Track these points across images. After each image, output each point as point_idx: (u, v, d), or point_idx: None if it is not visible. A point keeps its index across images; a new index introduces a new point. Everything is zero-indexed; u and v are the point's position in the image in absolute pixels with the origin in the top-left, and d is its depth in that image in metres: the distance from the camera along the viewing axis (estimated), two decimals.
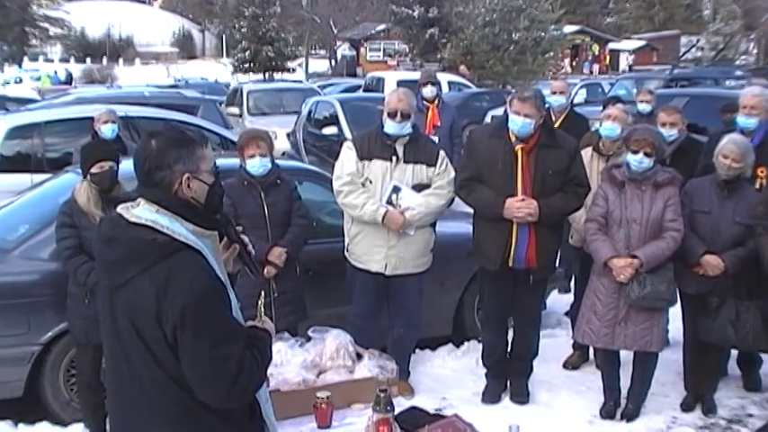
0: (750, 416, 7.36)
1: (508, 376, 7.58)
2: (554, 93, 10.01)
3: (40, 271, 7.02)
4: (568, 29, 58.06)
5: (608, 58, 71.10)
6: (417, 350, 8.23)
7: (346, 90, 34.85)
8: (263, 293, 3.98)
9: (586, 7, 75.87)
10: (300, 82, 46.18)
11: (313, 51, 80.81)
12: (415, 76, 17.96)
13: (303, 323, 6.82)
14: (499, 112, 17.60)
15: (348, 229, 7.37)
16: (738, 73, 35.92)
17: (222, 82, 49.51)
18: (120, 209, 3.32)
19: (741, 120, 7.74)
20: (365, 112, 16.43)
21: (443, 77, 26.67)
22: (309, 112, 19.29)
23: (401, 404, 5.01)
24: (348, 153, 7.28)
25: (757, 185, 7.31)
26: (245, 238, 3.57)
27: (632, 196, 6.86)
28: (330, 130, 17.33)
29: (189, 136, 3.38)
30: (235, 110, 23.64)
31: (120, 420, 3.43)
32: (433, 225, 7.46)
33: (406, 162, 7.19)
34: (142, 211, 3.26)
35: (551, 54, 50.90)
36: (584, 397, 7.63)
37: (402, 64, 63.91)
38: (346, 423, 4.93)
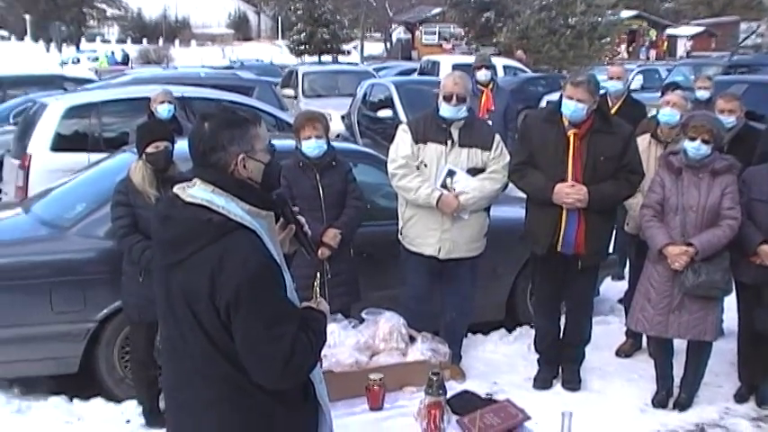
0: None
1: (560, 362, 7.56)
2: (611, 78, 9.92)
3: (96, 249, 7.09)
4: (625, 14, 57.52)
5: (665, 43, 70.39)
6: (469, 334, 8.24)
7: (401, 73, 34.85)
8: (318, 275, 3.94)
9: None
10: (356, 64, 46.15)
11: (368, 34, 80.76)
12: (471, 59, 17.88)
13: (356, 305, 6.84)
14: (555, 97, 17.42)
15: (402, 213, 7.37)
16: None
17: (277, 64, 49.61)
18: (176, 189, 3.33)
19: None
20: (420, 95, 16.42)
21: (498, 61, 26.61)
22: (364, 95, 19.28)
23: (453, 388, 5.00)
24: (403, 136, 7.27)
25: None
26: (302, 219, 3.57)
27: (689, 183, 6.78)
28: (385, 113, 17.33)
29: (241, 116, 3.37)
30: (290, 92, 23.64)
31: (175, 397, 3.46)
32: (488, 209, 7.45)
33: (461, 146, 7.17)
34: (198, 191, 3.27)
35: (608, 39, 50.37)
36: (636, 385, 7.59)
37: (457, 47, 63.71)
38: (398, 405, 4.92)
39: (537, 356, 7.65)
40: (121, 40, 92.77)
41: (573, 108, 6.76)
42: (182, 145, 6.55)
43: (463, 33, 64.85)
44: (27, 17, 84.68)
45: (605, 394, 7.45)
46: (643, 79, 29.16)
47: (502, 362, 8.08)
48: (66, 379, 7.24)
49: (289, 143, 7.21)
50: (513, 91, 16.13)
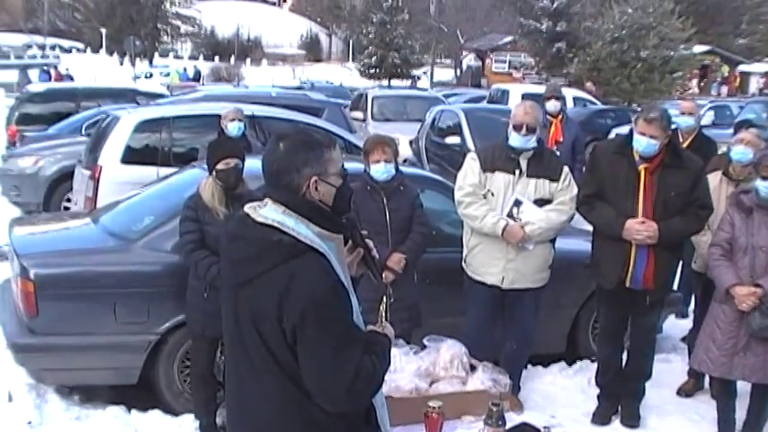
0: None
1: (620, 398, 7.47)
2: (683, 113, 9.81)
3: (162, 262, 7.15)
4: (698, 48, 57.05)
5: (737, 80, 69.62)
6: (529, 366, 8.17)
7: (470, 100, 34.86)
8: (384, 299, 3.94)
9: (718, 27, 74.23)
10: (425, 90, 46.27)
11: (439, 60, 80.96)
12: (540, 89, 17.83)
13: (417, 331, 6.83)
14: (624, 130, 17.30)
15: (467, 240, 7.35)
16: None
17: (347, 86, 49.90)
18: (247, 208, 3.35)
19: None
20: (489, 123, 16.38)
21: (568, 92, 26.47)
22: (433, 121, 19.30)
23: (511, 419, 4.97)
24: (472, 164, 7.26)
25: None
26: (370, 243, 3.57)
27: (760, 223, 6.68)
28: (453, 140, 17.30)
29: (317, 138, 3.39)
30: (359, 114, 23.76)
31: (237, 415, 3.47)
32: (553, 241, 7.39)
33: (529, 176, 7.13)
34: (269, 212, 3.28)
35: (679, 73, 50.13)
36: (698, 426, 7.46)
37: (527, 77, 63.66)
38: None
39: (597, 391, 7.56)
40: (194, 57, 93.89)
41: (645, 144, 6.69)
42: (251, 163, 6.65)
43: (534, 63, 64.84)
44: (103, 31, 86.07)
45: None
46: (714, 115, 28.80)
47: (561, 395, 8.00)
48: (126, 390, 7.30)
49: (357, 166, 7.22)
50: (581, 122, 16.10)
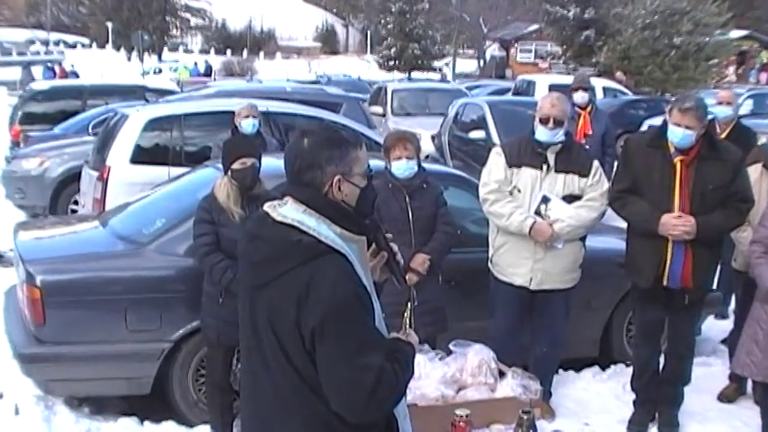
0: None
1: (657, 404, 7.44)
2: (720, 103, 9.75)
3: (175, 266, 7.18)
4: (735, 34, 56.73)
5: None
6: (560, 371, 8.15)
7: (495, 92, 34.87)
8: (408, 305, 3.93)
9: (756, 11, 73.87)
10: (447, 82, 46.23)
11: (461, 51, 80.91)
12: (568, 80, 17.77)
13: (443, 336, 6.82)
14: (657, 121, 17.23)
15: (493, 240, 7.34)
16: None
17: (365, 79, 49.93)
18: (266, 207, 3.37)
19: None
20: (515, 116, 16.36)
21: (598, 83, 26.45)
22: (456, 115, 19.26)
23: (542, 428, 4.96)
24: (497, 159, 7.25)
25: None
26: (395, 247, 3.57)
27: None
28: (477, 134, 17.27)
29: (343, 136, 3.41)
30: (378, 109, 23.75)
31: (253, 423, 3.48)
32: (583, 239, 7.38)
33: (557, 171, 7.12)
34: (289, 211, 3.30)
35: (715, 61, 49.87)
36: None
37: (554, 67, 63.50)
38: None
39: (632, 397, 7.54)
40: (204, 51, 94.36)
41: (681, 135, 6.65)
42: (267, 162, 6.65)
43: (561, 52, 64.67)
44: (109, 25, 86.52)
45: None
46: (753, 104, 28.61)
47: (594, 401, 7.98)
48: (138, 400, 7.33)
49: (377, 163, 7.21)
50: (612, 114, 16.06)
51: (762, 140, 8.70)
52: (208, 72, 61.83)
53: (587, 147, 9.88)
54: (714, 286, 7.79)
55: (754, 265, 6.80)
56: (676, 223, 6.68)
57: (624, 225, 7.33)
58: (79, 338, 6.92)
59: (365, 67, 70.71)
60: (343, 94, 18.68)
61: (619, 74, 42.73)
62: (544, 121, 7.07)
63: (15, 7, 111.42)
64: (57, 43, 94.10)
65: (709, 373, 8.50)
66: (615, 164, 8.71)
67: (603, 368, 8.61)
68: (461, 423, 4.85)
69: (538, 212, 7.05)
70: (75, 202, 13.91)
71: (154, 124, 11.88)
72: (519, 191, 7.10)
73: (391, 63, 64.85)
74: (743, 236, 7.27)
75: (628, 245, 7.22)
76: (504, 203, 7.07)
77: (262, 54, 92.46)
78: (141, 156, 11.52)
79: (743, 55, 66.96)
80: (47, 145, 16.01)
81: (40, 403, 7.17)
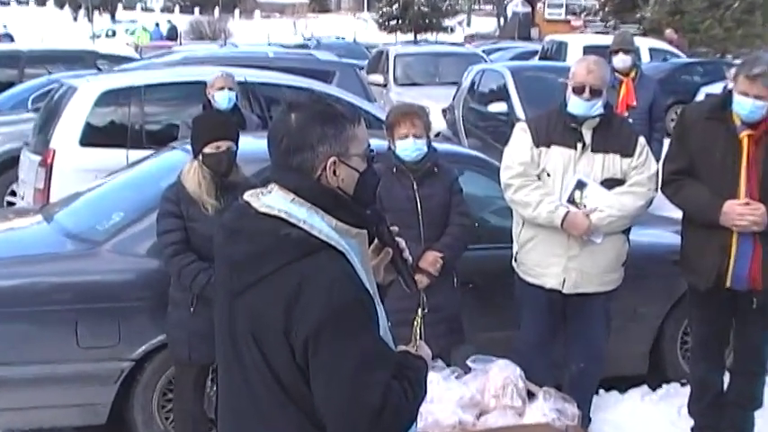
0: None
1: (721, 431, 7.46)
2: None
3: (136, 270, 7.20)
4: None
5: None
6: (600, 391, 8.17)
7: (518, 57, 34.83)
8: (419, 312, 3.94)
9: None
10: (461, 45, 46.18)
11: (477, 7, 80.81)
12: (607, 40, 17.79)
13: (459, 349, 6.85)
14: (716, 89, 17.26)
15: (518, 233, 7.35)
16: None
17: (362, 42, 49.89)
18: (248, 196, 3.38)
19: None
20: (543, 85, 16.38)
21: (643, 43, 26.47)
22: (472, 84, 19.26)
23: None
24: (521, 137, 7.25)
25: None
26: (402, 242, 3.57)
27: None
28: (497, 107, 17.27)
29: (338, 110, 3.42)
30: (378, 78, 23.76)
31: None
32: (627, 232, 7.39)
33: (594, 151, 7.12)
34: (275, 200, 3.31)
35: None
36: None
37: (590, 25, 63.38)
38: None
39: (690, 422, 7.56)
40: (167, 9, 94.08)
41: (750, 107, 6.63)
42: (246, 143, 6.66)
43: (598, 6, 64.59)
44: None
45: None
46: None
47: (642, 427, 8.00)
48: (94, 431, 7.34)
49: (378, 143, 7.22)
50: (661, 81, 16.03)
51: None
52: (172, 35, 61.71)
53: (631, 121, 9.88)
54: None
55: None
56: (743, 212, 6.68)
57: (678, 215, 7.34)
58: (20, 359, 6.94)
59: (362, 28, 70.60)
60: (336, 60, 18.71)
61: (669, 32, 42.59)
62: (578, 91, 7.07)
63: None
64: None
65: None
66: (666, 141, 8.72)
67: (654, 388, 8.62)
68: None
69: (571, 200, 7.06)
70: (13, 193, 13.87)
71: (108, 98, 11.84)
72: (548, 175, 7.11)
73: (393, 23, 64.70)
74: None
75: (683, 238, 7.23)
76: (530, 190, 7.07)
77: (237, 12, 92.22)
78: (93, 137, 11.50)
79: None
80: None
81: None
